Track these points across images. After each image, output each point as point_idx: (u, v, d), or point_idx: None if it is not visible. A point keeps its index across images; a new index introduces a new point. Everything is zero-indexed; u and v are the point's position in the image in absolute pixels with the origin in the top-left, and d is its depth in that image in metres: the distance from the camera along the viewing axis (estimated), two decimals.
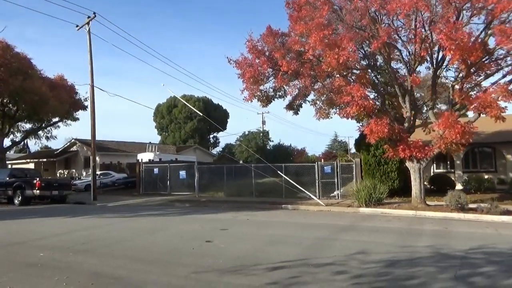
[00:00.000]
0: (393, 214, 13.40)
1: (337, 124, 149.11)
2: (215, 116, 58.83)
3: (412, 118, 14.72)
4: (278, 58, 13.85)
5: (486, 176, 20.37)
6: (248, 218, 12.08)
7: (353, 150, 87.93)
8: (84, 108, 30.26)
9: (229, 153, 61.82)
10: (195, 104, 57.35)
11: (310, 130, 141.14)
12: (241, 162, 53.53)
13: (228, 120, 62.16)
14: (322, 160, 72.55)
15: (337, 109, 17.73)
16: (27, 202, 19.65)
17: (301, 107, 17.07)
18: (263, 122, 60.62)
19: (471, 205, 13.10)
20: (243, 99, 15.85)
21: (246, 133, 59.02)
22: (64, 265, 6.30)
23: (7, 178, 20.72)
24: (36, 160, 39.89)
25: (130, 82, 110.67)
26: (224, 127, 61.90)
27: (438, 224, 10.62)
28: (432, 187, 20.00)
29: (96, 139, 42.50)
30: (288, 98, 17.20)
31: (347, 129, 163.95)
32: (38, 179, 20.02)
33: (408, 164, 14.53)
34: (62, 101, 25.21)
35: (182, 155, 43.41)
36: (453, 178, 20.49)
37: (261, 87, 15.98)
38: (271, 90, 16.35)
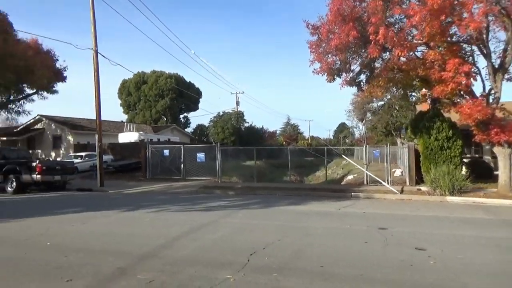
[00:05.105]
0: (489, 203, 12.23)
1: (292, 105, 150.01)
2: (188, 95, 55.48)
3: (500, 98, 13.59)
4: (374, 24, 11.86)
5: None
6: (364, 212, 10.20)
7: (305, 133, 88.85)
8: (64, 79, 25.94)
9: (202, 134, 58.91)
10: (167, 81, 53.54)
11: (275, 111, 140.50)
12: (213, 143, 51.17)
13: (200, 99, 58.82)
14: (284, 142, 72.25)
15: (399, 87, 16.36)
16: (23, 190, 16.10)
17: (368, 82, 15.21)
18: (237, 103, 57.99)
19: None
20: (313, 72, 13.73)
21: (221, 113, 56.21)
22: None
23: None
24: None
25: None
26: (196, 107, 58.70)
27: None
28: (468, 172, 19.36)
29: (62, 116, 37.86)
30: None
31: (299, 111, 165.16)
32: (38, 161, 16.44)
33: (496, 149, 13.42)
34: (50, 69, 21.07)
35: (163, 135, 40.03)
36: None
37: (329, 59, 13.91)
38: (338, 63, 14.31)
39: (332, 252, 6.00)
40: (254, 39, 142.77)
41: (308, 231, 7.61)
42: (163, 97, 53.14)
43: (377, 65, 15.12)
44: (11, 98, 24.54)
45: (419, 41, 12.63)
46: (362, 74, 15.30)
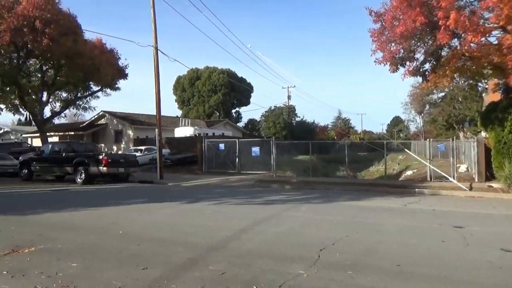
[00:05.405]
0: None
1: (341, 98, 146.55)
2: (240, 90, 56.03)
3: None
4: (444, 8, 11.07)
5: None
6: (434, 209, 9.61)
7: (356, 127, 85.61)
8: (125, 76, 27.14)
9: (253, 128, 59.29)
10: (220, 77, 54.38)
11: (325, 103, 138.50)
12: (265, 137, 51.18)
13: (252, 94, 59.18)
14: (335, 137, 70.41)
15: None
16: (91, 181, 17.07)
17: (434, 72, 14.30)
18: (289, 97, 57.42)
19: None
20: (374, 61, 13.17)
21: (272, 108, 56.13)
22: None
23: (63, 153, 18.04)
24: (61, 133, 36.95)
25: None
26: (248, 102, 59.16)
27: None
28: None
29: (123, 111, 39.80)
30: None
31: (350, 105, 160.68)
32: (104, 154, 17.39)
33: None
34: (114, 67, 22.19)
35: (216, 130, 40.78)
36: None
37: (393, 48, 13.25)
38: (402, 51, 13.58)
39: (407, 250, 5.66)
40: (306, 31, 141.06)
41: (377, 227, 7.27)
42: (216, 93, 54.12)
43: (443, 53, 14.20)
44: (79, 95, 26.19)
45: (494, 25, 11.63)
46: (427, 63, 14.42)
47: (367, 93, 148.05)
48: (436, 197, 12.31)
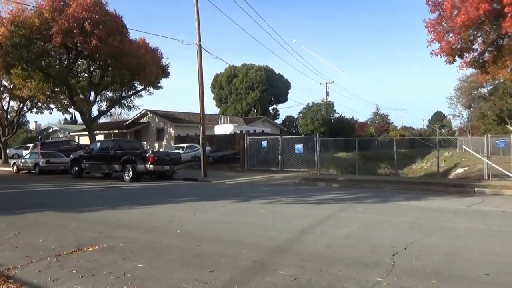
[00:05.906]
0: None
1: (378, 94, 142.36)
2: (277, 87, 55.64)
3: None
4: None
5: None
6: (503, 210, 8.90)
7: (395, 123, 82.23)
8: (167, 75, 27.54)
9: (291, 125, 58.72)
10: (257, 74, 54.21)
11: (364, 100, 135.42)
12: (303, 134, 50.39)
13: (289, 91, 58.56)
14: (374, 133, 68.21)
15: None
16: (138, 178, 17.38)
17: (495, 63, 13.37)
18: (327, 93, 56.13)
19: None
20: (431, 53, 12.44)
21: (310, 104, 55.23)
22: None
23: (111, 151, 18.49)
24: (106, 131, 38.22)
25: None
26: (285, 98, 58.65)
27: None
28: None
29: (163, 110, 40.56)
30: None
31: (390, 101, 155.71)
32: (151, 152, 17.65)
33: None
34: (158, 66, 22.54)
35: (254, 127, 40.64)
36: None
37: (451, 38, 12.47)
38: (460, 41, 12.75)
39: (491, 257, 5.15)
40: (344, 26, 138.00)
41: (449, 230, 6.75)
42: (253, 90, 54.03)
43: (504, 42, 13.24)
44: (123, 94, 26.88)
45: None
46: (487, 53, 13.50)
47: (408, 87, 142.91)
48: (500, 197, 11.43)
